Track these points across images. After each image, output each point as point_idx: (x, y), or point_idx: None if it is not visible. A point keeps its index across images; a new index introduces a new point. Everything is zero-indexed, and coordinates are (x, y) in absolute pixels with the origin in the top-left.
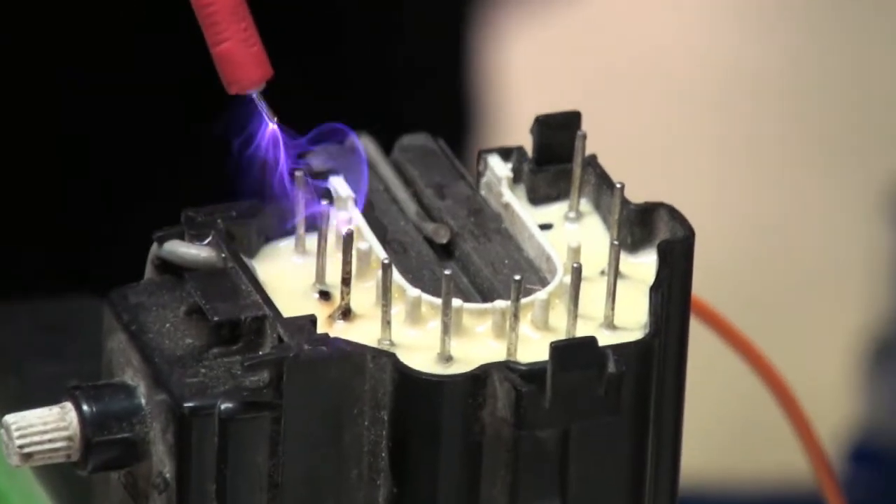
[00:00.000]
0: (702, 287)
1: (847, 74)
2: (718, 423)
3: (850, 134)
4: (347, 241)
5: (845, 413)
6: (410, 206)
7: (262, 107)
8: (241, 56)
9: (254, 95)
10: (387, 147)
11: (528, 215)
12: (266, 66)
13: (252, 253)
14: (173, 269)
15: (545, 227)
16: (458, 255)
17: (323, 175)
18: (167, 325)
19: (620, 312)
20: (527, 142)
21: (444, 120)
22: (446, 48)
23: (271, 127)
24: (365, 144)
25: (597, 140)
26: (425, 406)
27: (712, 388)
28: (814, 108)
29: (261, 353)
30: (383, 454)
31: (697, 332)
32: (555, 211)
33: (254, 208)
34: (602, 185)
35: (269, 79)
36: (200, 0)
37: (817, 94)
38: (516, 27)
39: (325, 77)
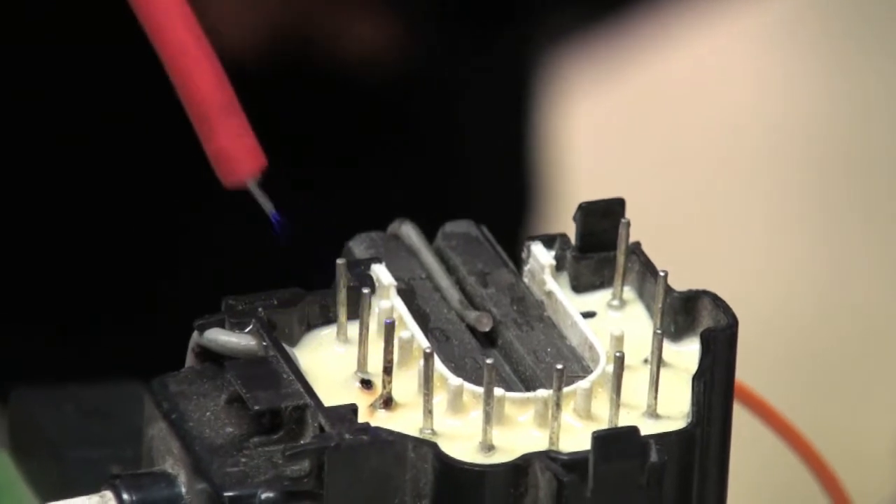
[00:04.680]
0: (746, 366)
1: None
2: None
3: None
4: (389, 329)
5: (891, 496)
6: (453, 294)
7: (260, 197)
8: (234, 151)
9: (250, 187)
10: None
11: (570, 303)
12: (260, 157)
13: (293, 341)
14: (214, 358)
15: (588, 314)
16: (501, 344)
17: (365, 263)
18: (208, 413)
19: (663, 401)
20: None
21: (508, 205)
22: (509, 131)
23: (271, 216)
24: (407, 231)
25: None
26: (467, 496)
27: (756, 474)
28: (867, 184)
29: (302, 442)
30: None
31: (742, 418)
32: (598, 299)
33: (295, 296)
34: (645, 273)
35: (263, 168)
36: (191, 98)
37: (871, 170)
38: (578, 104)
39: (392, 168)
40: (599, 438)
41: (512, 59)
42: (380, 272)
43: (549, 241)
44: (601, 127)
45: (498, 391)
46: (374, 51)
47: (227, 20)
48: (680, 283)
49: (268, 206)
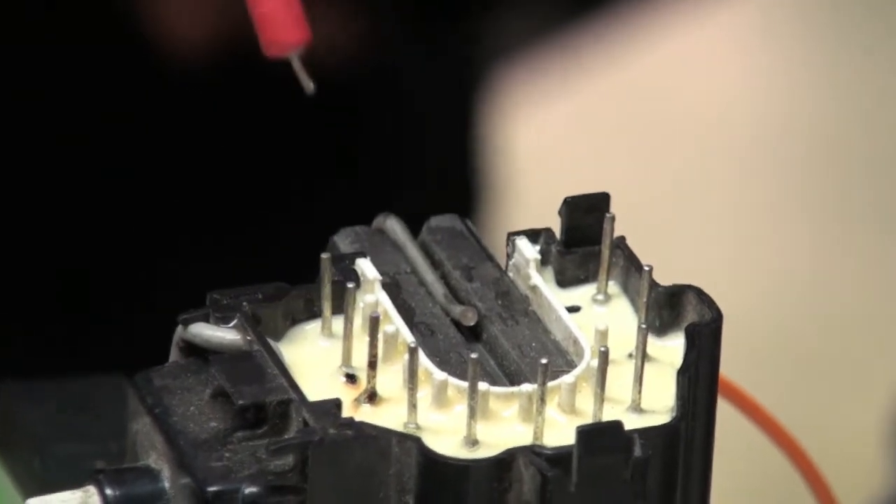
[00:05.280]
0: (730, 359)
1: (887, 141)
2: None
3: (885, 206)
4: (374, 324)
5: (875, 489)
6: (438, 289)
7: (300, 71)
8: (281, 17)
9: (292, 58)
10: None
11: (555, 298)
12: (305, 30)
13: (278, 335)
14: (198, 352)
15: (573, 309)
16: (486, 338)
17: (350, 257)
18: (192, 408)
19: (648, 396)
20: (541, 220)
21: (454, 202)
22: (454, 133)
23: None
24: (392, 226)
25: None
26: (451, 490)
27: (739, 468)
28: (849, 176)
29: (286, 436)
30: None
31: (726, 412)
32: (583, 293)
33: (280, 291)
34: (630, 268)
35: (307, 43)
36: None
37: (849, 163)
38: (526, 106)
39: (338, 167)
40: (584, 433)
41: (465, 57)
42: (364, 266)
43: (533, 236)
44: (567, 125)
45: (482, 386)
46: (326, 50)
47: (182, 18)
48: (665, 279)
49: (307, 82)
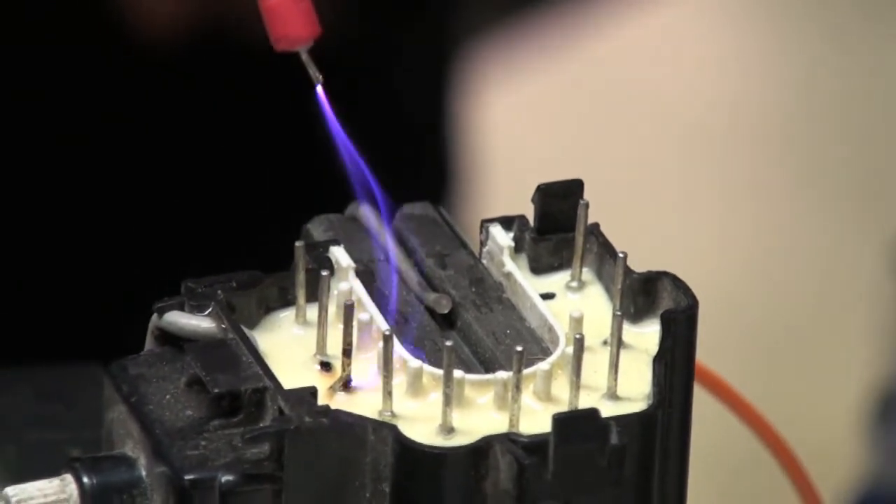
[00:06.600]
0: (705, 346)
1: (854, 124)
2: (723, 495)
3: (856, 190)
4: (348, 311)
5: (850, 473)
6: (412, 276)
7: (310, 65)
8: (290, 11)
9: (301, 53)
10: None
11: (529, 285)
12: (315, 25)
13: (252, 324)
14: (173, 340)
15: (547, 296)
16: (460, 325)
17: (324, 245)
18: (167, 396)
19: (623, 383)
20: (510, 205)
21: (426, 185)
22: (427, 117)
23: (318, 86)
24: (366, 213)
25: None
26: (427, 478)
27: (716, 454)
28: (819, 161)
29: (261, 424)
30: None
31: (702, 398)
32: (557, 280)
33: (254, 279)
34: (604, 254)
35: (317, 37)
36: None
37: (822, 147)
38: (499, 85)
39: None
40: (559, 421)
41: (437, 40)
42: (338, 254)
43: (507, 223)
44: (541, 109)
45: (457, 373)
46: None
47: (155, 4)
48: (639, 265)
49: (316, 74)
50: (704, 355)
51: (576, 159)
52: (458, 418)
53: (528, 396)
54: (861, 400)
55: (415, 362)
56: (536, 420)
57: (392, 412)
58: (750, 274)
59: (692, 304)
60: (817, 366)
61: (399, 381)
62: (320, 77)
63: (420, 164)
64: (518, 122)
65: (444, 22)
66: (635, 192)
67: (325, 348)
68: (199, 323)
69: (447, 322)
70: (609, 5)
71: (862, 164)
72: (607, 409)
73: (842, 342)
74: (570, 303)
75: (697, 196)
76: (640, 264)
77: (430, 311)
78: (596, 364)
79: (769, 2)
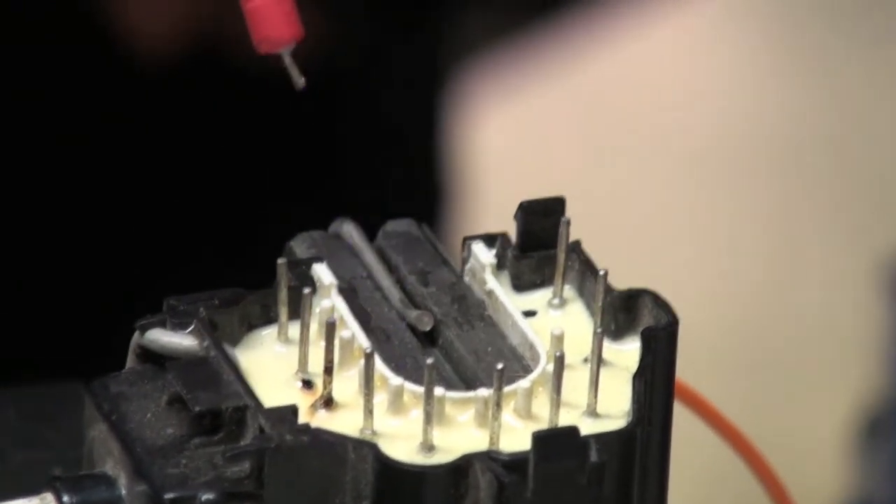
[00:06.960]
0: (691, 363)
1: (846, 145)
2: None
3: (844, 209)
4: (330, 329)
5: (835, 493)
6: (394, 293)
7: (292, 68)
8: (272, 13)
9: (284, 55)
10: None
11: (511, 302)
12: (297, 26)
13: (234, 341)
14: (155, 358)
15: (529, 313)
16: (442, 343)
17: (306, 262)
18: (148, 414)
19: (604, 400)
20: (505, 224)
21: (418, 203)
22: (420, 132)
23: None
24: (349, 231)
25: (572, 209)
26: (407, 496)
27: (696, 472)
28: (806, 181)
29: (242, 443)
30: None
31: (682, 416)
32: (539, 297)
33: (236, 296)
34: (586, 272)
35: (299, 39)
36: None
37: (808, 167)
38: (491, 107)
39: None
40: (540, 438)
41: (430, 60)
42: (321, 272)
43: (489, 240)
44: (527, 128)
45: (438, 391)
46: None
47: (146, 18)
48: (621, 283)
49: (298, 78)
50: (686, 373)
51: (568, 179)
52: (438, 436)
53: (508, 414)
54: (848, 419)
55: (396, 380)
56: (517, 438)
57: (373, 430)
58: (734, 292)
59: (672, 322)
60: (802, 384)
61: (380, 398)
62: (302, 81)
63: (412, 182)
64: (511, 141)
65: (437, 42)
66: (627, 211)
67: (307, 366)
68: (180, 341)
69: (429, 339)
70: (601, 27)
71: (850, 185)
72: (587, 427)
73: (828, 361)
74: (552, 320)
75: (681, 214)
76: (626, 282)
77: (412, 329)
78: (576, 381)
79: (760, 22)
